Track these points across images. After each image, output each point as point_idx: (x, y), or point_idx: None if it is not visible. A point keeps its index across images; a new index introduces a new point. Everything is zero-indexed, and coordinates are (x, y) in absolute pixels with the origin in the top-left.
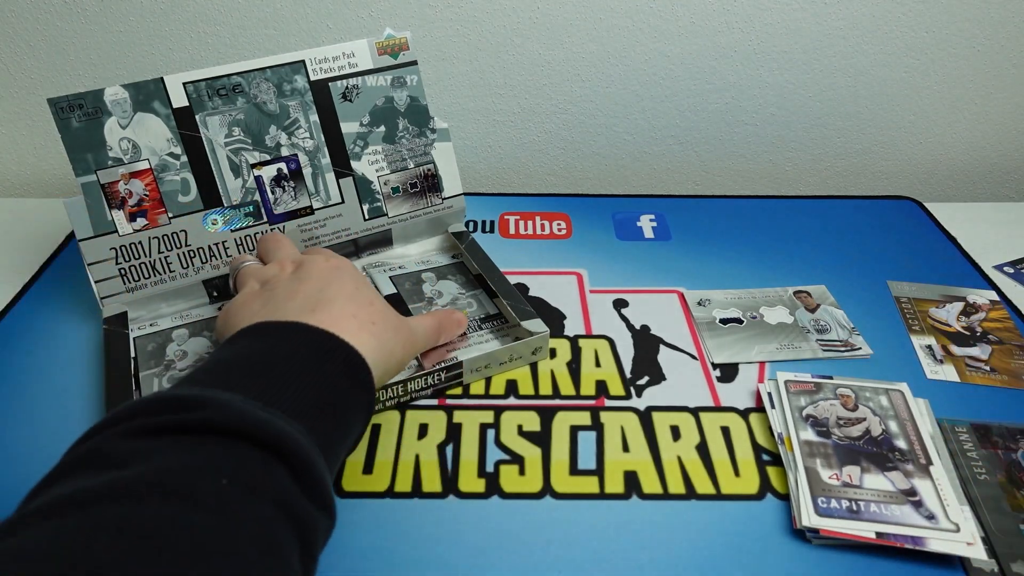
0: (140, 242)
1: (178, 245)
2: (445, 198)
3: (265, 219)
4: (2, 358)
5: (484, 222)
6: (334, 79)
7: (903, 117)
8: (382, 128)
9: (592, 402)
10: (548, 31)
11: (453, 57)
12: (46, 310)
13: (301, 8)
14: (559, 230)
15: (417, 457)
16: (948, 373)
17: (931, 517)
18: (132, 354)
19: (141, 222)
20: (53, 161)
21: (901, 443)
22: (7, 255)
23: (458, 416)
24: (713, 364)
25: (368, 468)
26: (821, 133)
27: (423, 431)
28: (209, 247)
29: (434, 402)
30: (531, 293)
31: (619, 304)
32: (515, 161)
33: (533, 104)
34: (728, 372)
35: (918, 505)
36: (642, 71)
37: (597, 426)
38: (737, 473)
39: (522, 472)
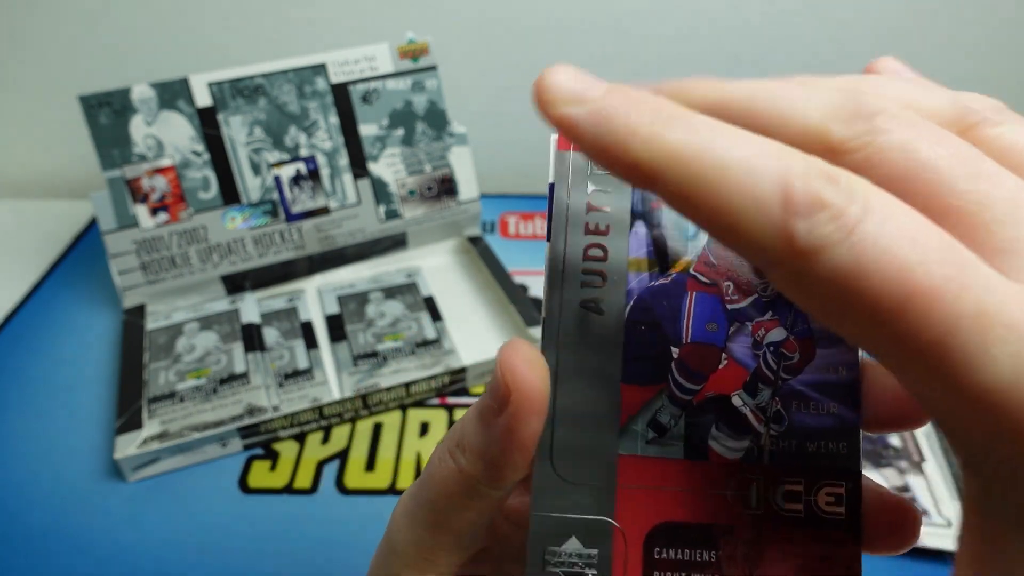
0: (161, 236)
1: (198, 241)
2: (461, 202)
3: (283, 218)
4: (16, 352)
5: (484, 222)
6: (354, 82)
7: None
8: (400, 131)
9: None
10: (547, 34)
11: (452, 59)
12: (60, 305)
13: (300, 13)
14: None
15: (418, 455)
16: None
17: (924, 513)
18: (146, 346)
19: (163, 217)
20: (58, 163)
21: (895, 440)
22: (17, 253)
23: (459, 414)
24: None
25: (370, 465)
26: None
27: (424, 429)
28: (228, 243)
29: (436, 401)
30: (531, 293)
31: None
32: (515, 162)
33: (533, 106)
34: None
35: (912, 502)
36: (641, 73)
37: None
38: None
39: None
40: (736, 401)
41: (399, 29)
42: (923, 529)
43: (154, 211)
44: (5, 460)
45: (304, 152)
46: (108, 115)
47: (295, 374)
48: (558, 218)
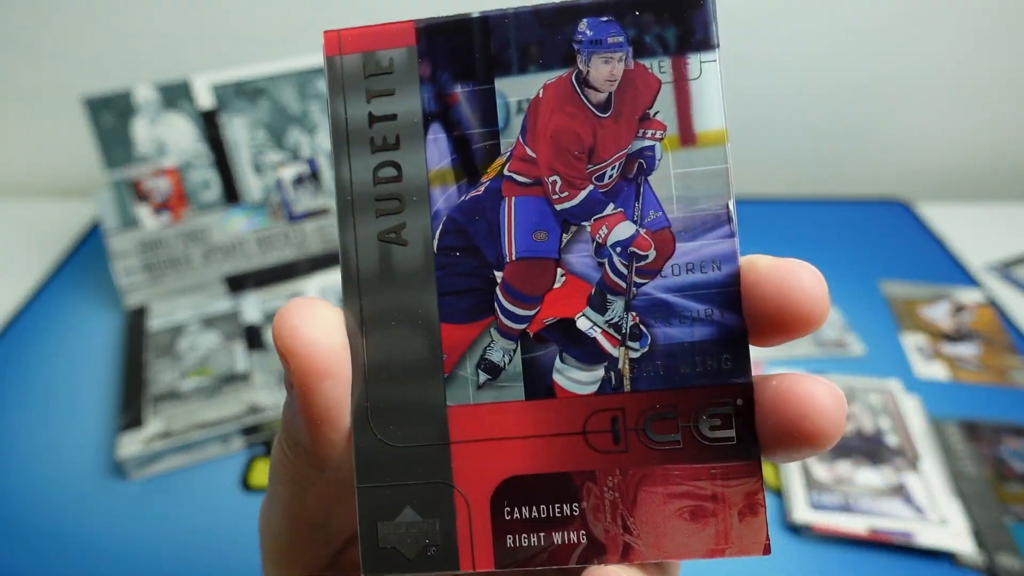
0: (164, 237)
1: (200, 241)
2: None
3: (284, 218)
4: (19, 352)
5: None
6: None
7: (893, 119)
8: None
9: None
10: None
11: None
12: (65, 304)
13: (301, 14)
14: None
15: None
16: (937, 371)
17: (920, 511)
18: (148, 346)
19: (165, 218)
20: (61, 163)
21: (892, 439)
22: (20, 254)
23: None
24: None
25: None
26: (814, 136)
27: None
28: (229, 244)
29: None
30: None
31: None
32: None
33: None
34: None
35: (908, 500)
36: None
37: None
38: None
39: None
40: (582, 324)
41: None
42: (920, 527)
43: (156, 211)
44: (8, 459)
45: (306, 153)
46: (111, 116)
47: None
48: (337, 138)
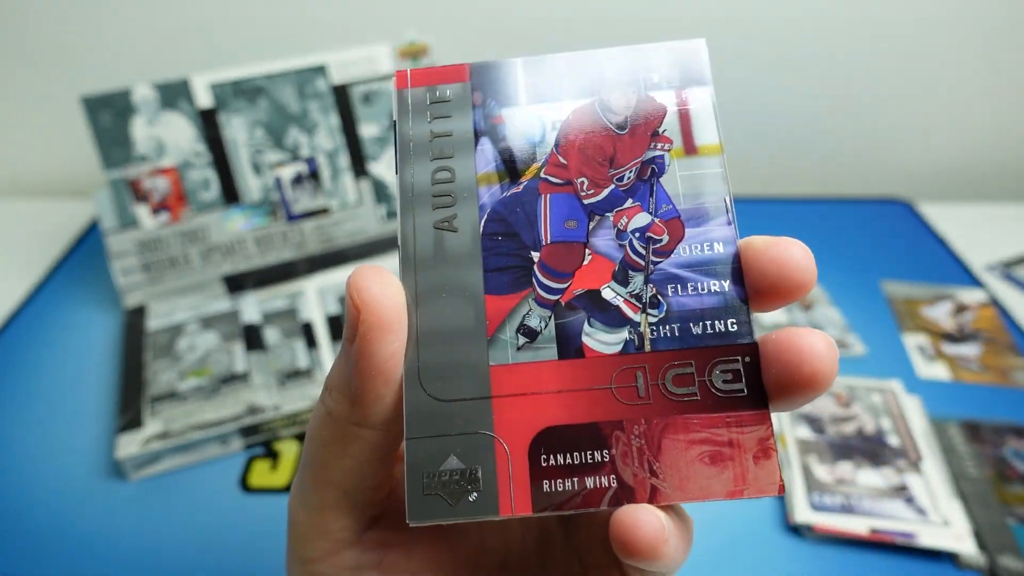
0: (162, 237)
1: (199, 241)
2: None
3: (283, 218)
4: (18, 352)
5: None
6: (355, 83)
7: (895, 119)
8: None
9: None
10: (549, 34)
11: (453, 60)
12: (64, 304)
13: (300, 13)
14: None
15: None
16: (939, 371)
17: (922, 512)
18: (147, 346)
19: (164, 217)
20: (60, 163)
21: (893, 440)
22: (18, 253)
23: None
24: None
25: None
26: (815, 135)
27: None
28: (228, 244)
29: None
30: None
31: None
32: None
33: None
34: None
35: (909, 500)
36: None
37: None
38: None
39: None
40: (607, 294)
41: (399, 29)
42: (922, 528)
43: (155, 211)
44: (7, 459)
45: (305, 153)
46: (109, 116)
47: (296, 374)
48: (403, 150)
